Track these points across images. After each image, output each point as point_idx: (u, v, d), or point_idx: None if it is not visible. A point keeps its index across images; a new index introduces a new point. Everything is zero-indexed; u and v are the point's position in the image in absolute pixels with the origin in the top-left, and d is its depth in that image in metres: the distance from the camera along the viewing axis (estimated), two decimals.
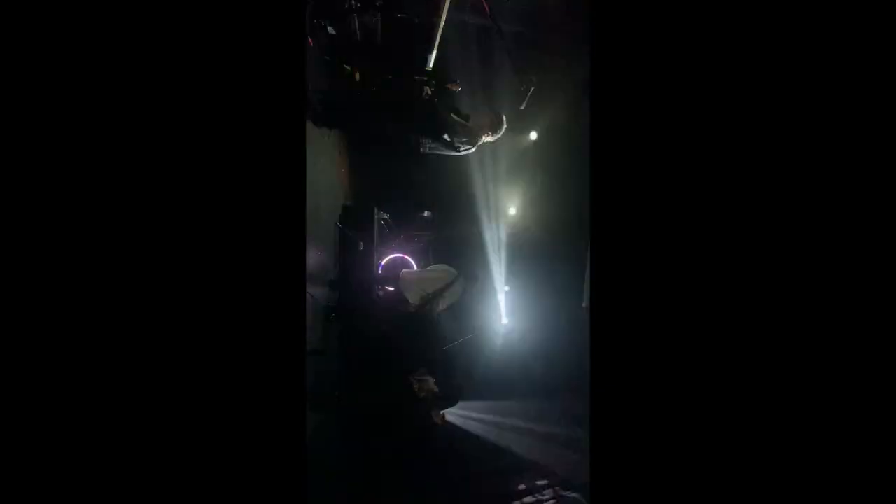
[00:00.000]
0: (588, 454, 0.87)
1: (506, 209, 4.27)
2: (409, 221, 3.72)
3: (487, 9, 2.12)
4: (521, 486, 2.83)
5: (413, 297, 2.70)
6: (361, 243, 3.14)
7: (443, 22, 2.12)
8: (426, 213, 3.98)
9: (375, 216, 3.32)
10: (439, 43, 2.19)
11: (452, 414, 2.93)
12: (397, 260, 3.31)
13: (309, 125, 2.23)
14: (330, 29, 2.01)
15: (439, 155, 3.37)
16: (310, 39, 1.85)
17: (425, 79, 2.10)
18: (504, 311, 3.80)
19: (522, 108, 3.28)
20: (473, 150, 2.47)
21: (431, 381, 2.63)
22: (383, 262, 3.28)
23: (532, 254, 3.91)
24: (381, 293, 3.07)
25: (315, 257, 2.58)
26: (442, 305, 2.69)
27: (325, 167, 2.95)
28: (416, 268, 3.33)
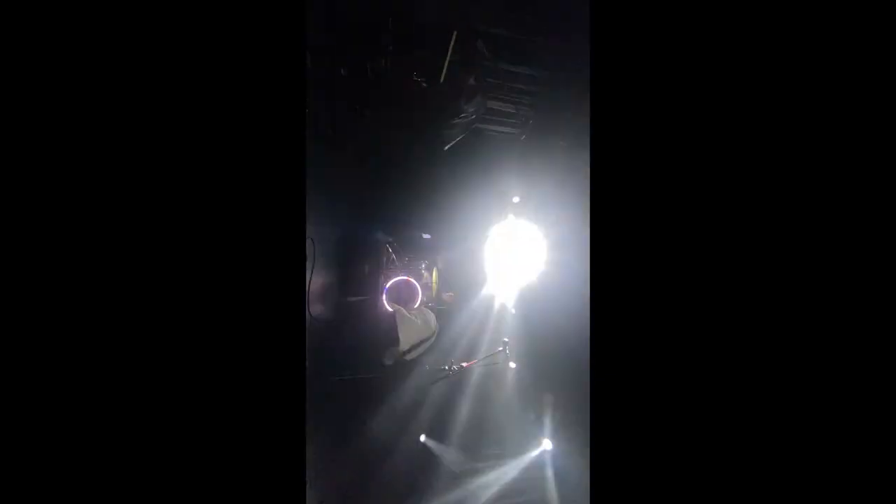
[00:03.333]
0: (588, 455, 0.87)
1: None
2: (413, 245, 3.80)
3: (485, 54, 2.28)
4: None
5: (405, 343, 2.71)
6: (367, 266, 3.21)
7: (447, 61, 2.28)
8: (426, 236, 4.06)
9: (381, 239, 3.41)
10: (444, 79, 2.34)
11: None
12: (401, 283, 3.37)
13: (317, 148, 2.33)
14: (343, 71, 2.16)
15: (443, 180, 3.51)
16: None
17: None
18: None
19: (523, 138, 3.50)
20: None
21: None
22: (388, 286, 3.34)
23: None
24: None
25: (321, 281, 2.64)
26: (411, 356, 2.72)
27: (332, 191, 3.05)
28: (419, 290, 3.39)
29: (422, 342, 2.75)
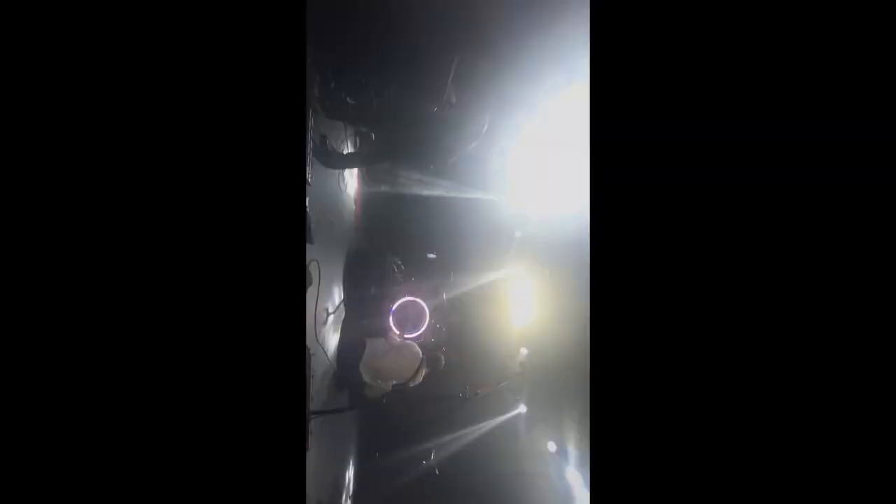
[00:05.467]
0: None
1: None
2: (420, 264, 3.79)
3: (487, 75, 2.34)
4: None
5: (371, 387, 2.55)
6: (373, 287, 3.20)
7: (449, 83, 2.35)
8: (431, 255, 4.06)
9: (388, 260, 3.41)
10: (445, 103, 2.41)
11: None
12: (407, 304, 3.34)
13: (321, 168, 2.38)
14: (349, 100, 2.22)
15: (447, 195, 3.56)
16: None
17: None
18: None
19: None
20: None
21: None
22: (394, 308, 3.31)
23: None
24: (395, 337, 3.07)
25: (329, 305, 2.63)
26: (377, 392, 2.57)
27: (338, 214, 3.09)
28: (427, 311, 3.35)
29: (403, 381, 2.54)
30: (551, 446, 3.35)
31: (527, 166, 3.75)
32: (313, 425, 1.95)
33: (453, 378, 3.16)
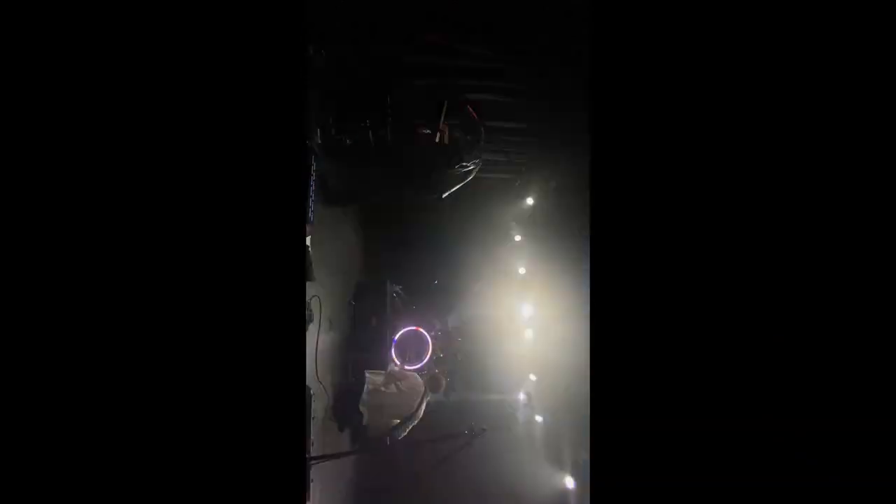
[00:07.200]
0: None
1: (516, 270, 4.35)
2: (422, 292, 3.81)
3: (475, 116, 2.50)
4: None
5: (373, 427, 2.47)
6: (374, 318, 3.20)
7: (440, 126, 2.49)
8: (435, 282, 4.08)
9: (388, 289, 3.42)
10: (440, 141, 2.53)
11: None
12: (410, 334, 3.33)
13: (323, 206, 2.46)
14: (347, 141, 2.35)
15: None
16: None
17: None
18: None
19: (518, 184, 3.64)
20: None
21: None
22: (396, 338, 3.29)
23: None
24: (396, 369, 3.04)
25: (330, 340, 2.64)
26: (404, 431, 2.48)
27: (340, 247, 3.15)
28: (430, 341, 3.33)
29: (400, 421, 2.46)
30: (569, 482, 3.15)
31: (525, 192, 3.88)
32: (314, 472, 1.90)
33: (458, 412, 3.08)
